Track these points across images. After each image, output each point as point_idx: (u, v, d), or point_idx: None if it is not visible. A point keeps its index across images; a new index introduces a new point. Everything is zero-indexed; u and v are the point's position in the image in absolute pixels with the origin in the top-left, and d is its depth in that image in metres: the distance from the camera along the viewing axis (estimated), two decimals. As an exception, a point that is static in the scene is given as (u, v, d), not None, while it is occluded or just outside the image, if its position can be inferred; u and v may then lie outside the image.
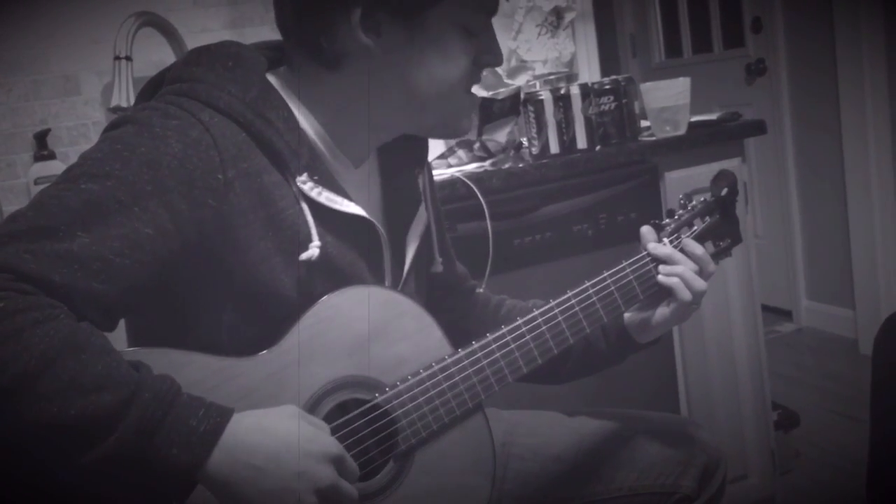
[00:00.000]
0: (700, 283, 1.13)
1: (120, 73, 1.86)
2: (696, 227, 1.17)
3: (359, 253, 1.02)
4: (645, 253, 1.14)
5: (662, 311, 1.14)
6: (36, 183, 2.01)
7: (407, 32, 0.96)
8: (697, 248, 1.14)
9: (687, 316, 1.15)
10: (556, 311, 1.08)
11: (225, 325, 0.94)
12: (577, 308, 1.09)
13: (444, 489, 1.02)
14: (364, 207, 1.01)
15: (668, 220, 1.18)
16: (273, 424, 0.87)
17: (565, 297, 1.09)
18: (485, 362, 1.03)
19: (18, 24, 2.04)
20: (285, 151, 0.95)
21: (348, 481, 0.91)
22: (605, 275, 1.11)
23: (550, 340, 1.07)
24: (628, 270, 1.12)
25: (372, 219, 1.02)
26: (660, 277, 1.13)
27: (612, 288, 1.11)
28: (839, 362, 3.12)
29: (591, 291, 1.10)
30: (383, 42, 0.96)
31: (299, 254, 0.95)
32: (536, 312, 1.07)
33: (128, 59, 1.86)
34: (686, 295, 1.12)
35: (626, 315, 1.17)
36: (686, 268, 1.12)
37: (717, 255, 1.19)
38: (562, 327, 1.08)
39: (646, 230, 1.17)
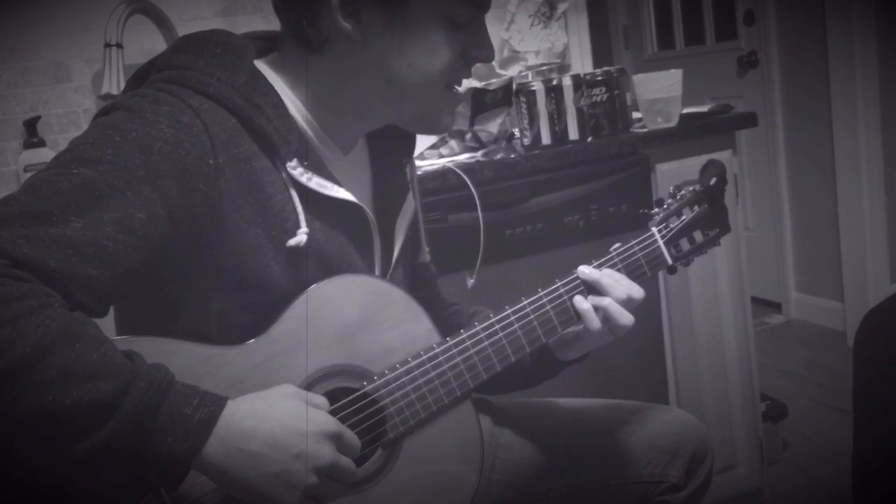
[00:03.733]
0: (627, 319, 1.07)
1: (110, 60, 1.85)
2: (684, 217, 1.17)
3: (348, 239, 1.02)
4: (574, 276, 1.09)
5: (582, 334, 1.11)
6: (25, 170, 2.00)
7: (387, 20, 0.95)
8: (609, 278, 1.08)
9: (608, 340, 1.11)
10: (545, 300, 1.08)
11: (214, 313, 0.94)
12: (566, 297, 1.09)
13: (432, 477, 1.02)
14: (354, 194, 1.01)
15: (656, 210, 1.17)
16: (268, 408, 0.87)
17: (551, 287, 1.09)
18: (472, 351, 1.04)
19: (8, 12, 2.03)
20: (275, 137, 0.95)
21: (350, 456, 0.92)
22: (577, 273, 1.09)
23: (538, 328, 1.07)
24: (562, 290, 1.09)
25: (362, 204, 1.02)
26: (584, 308, 1.07)
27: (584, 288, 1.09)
28: (828, 354, 3.14)
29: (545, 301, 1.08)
30: (363, 28, 0.95)
31: (288, 240, 0.95)
32: (525, 302, 1.07)
33: (118, 46, 1.85)
34: (608, 336, 1.09)
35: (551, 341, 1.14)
36: (612, 300, 1.07)
37: (706, 245, 1.19)
38: (550, 315, 1.08)
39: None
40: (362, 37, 0.96)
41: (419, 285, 1.19)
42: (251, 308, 0.95)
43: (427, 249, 1.19)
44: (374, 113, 1.03)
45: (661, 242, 1.14)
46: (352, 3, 0.94)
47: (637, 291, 1.09)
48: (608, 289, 1.08)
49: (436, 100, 1.02)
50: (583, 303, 1.08)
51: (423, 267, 1.22)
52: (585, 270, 1.09)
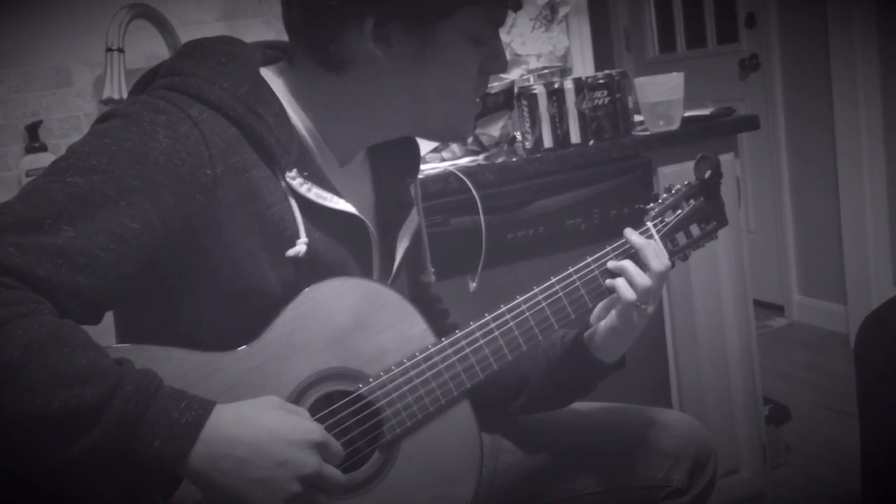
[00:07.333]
0: (642, 279, 1.07)
1: (112, 64, 1.85)
2: (679, 211, 1.16)
3: (347, 250, 1.02)
4: (551, 282, 1.08)
5: (610, 316, 1.10)
6: (27, 175, 2.01)
7: (417, 43, 0.96)
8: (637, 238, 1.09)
9: (637, 320, 1.09)
10: (540, 297, 1.07)
11: (208, 321, 0.94)
12: (561, 294, 1.08)
13: (431, 478, 1.02)
14: (354, 206, 1.01)
15: (652, 205, 1.17)
16: (254, 415, 0.87)
17: (546, 284, 1.08)
18: (468, 350, 1.03)
19: (10, 16, 2.03)
20: (275, 147, 0.94)
21: (333, 463, 0.91)
22: (571, 270, 1.09)
23: (535, 327, 1.07)
24: (593, 266, 1.10)
25: (362, 216, 1.02)
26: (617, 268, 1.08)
27: (578, 283, 1.08)
28: (830, 357, 3.13)
29: (575, 277, 1.09)
30: (393, 52, 0.96)
31: (286, 250, 0.94)
32: (520, 300, 1.07)
33: (120, 50, 1.85)
34: (628, 294, 1.07)
35: (586, 333, 1.14)
36: (630, 262, 1.08)
37: (703, 238, 1.17)
38: (546, 313, 1.07)
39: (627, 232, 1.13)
40: (390, 60, 0.96)
41: (419, 305, 1.18)
42: (247, 317, 0.94)
43: (432, 270, 1.18)
44: (390, 127, 1.04)
45: (657, 237, 1.14)
46: (383, 28, 0.94)
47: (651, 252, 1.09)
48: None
49: (460, 112, 1.03)
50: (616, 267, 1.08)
51: (425, 287, 1.21)
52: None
